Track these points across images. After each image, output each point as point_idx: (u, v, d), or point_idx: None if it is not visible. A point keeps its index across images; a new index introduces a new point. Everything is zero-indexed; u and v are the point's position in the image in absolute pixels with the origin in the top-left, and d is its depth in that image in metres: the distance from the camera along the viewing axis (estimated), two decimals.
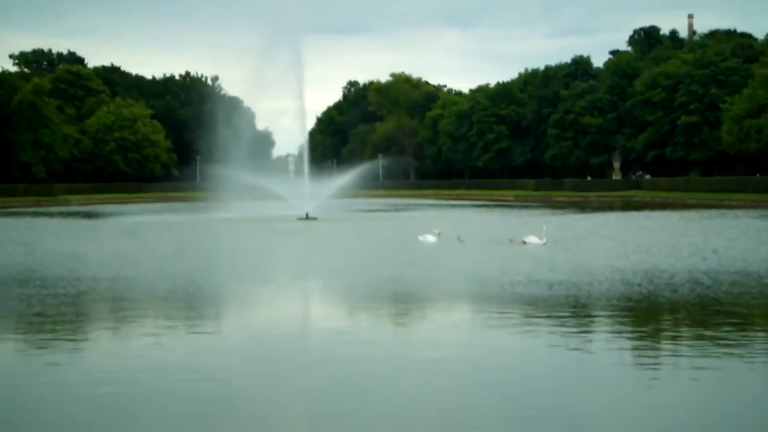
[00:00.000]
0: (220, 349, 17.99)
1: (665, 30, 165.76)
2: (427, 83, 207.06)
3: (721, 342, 17.54)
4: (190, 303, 23.80)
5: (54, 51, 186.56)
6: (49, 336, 19.27)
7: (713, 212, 70.12)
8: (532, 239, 39.64)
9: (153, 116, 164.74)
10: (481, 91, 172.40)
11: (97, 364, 16.54)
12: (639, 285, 25.50)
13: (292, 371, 16.24)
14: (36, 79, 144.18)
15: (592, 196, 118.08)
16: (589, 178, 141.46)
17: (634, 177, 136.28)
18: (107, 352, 17.73)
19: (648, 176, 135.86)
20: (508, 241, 40.10)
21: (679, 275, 27.42)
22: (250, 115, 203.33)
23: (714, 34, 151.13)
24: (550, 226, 44.32)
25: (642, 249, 36.76)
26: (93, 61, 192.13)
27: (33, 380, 15.21)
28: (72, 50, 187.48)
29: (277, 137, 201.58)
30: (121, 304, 23.68)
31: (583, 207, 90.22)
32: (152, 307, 23.40)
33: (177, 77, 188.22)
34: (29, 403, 13.71)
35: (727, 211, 71.20)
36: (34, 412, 13.23)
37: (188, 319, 21.37)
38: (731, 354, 16.48)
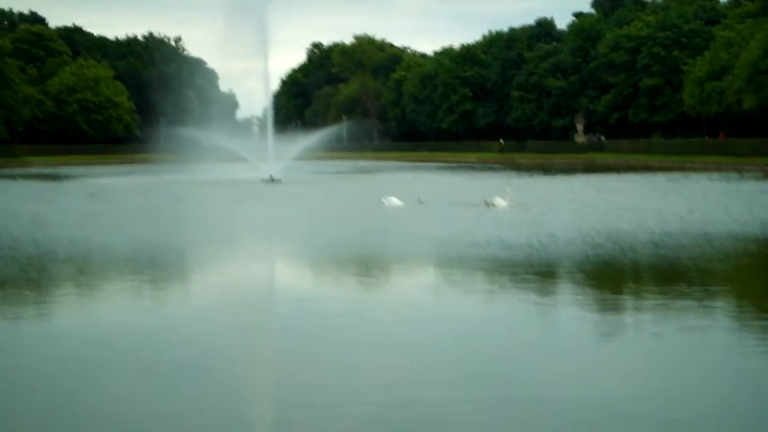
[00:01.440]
0: (183, 311, 18.04)
1: None
2: (391, 45, 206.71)
3: (684, 305, 17.75)
4: (153, 265, 23.80)
5: (15, 11, 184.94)
6: (10, 298, 19.30)
7: (675, 174, 70.53)
8: (499, 201, 39.63)
9: (116, 77, 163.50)
10: (445, 53, 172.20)
11: (58, 327, 16.58)
12: (601, 246, 25.73)
13: (254, 334, 16.34)
14: None
15: (555, 158, 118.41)
16: (579, 137, 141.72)
17: (594, 139, 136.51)
18: (68, 315, 17.76)
19: (603, 138, 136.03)
20: (483, 203, 39.89)
21: (639, 237, 27.66)
22: (213, 77, 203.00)
23: None
24: (515, 189, 44.47)
25: (604, 211, 37.01)
26: (55, 21, 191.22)
27: None
28: (33, 10, 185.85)
29: (241, 99, 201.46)
30: (83, 267, 23.70)
31: (546, 169, 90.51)
32: (114, 269, 23.42)
33: (140, 38, 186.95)
34: None
35: (690, 174, 71.67)
36: None
37: (151, 281, 21.40)
38: (693, 316, 16.71)
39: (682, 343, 14.68)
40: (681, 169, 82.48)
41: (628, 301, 18.84)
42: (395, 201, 41.55)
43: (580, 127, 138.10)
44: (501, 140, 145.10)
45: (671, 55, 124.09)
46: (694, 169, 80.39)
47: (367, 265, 23.94)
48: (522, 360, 13.83)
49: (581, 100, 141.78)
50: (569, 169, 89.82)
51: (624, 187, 55.67)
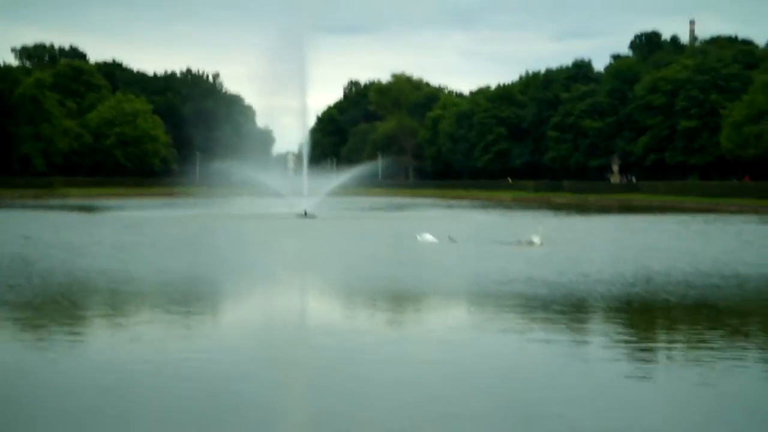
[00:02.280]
0: (215, 344, 18.04)
1: (667, 35, 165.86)
2: (428, 84, 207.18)
3: (714, 345, 17.63)
4: (187, 298, 23.83)
5: (56, 45, 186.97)
6: (44, 326, 19.38)
7: (710, 216, 70.18)
8: (535, 240, 39.63)
9: (154, 112, 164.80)
10: (482, 92, 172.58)
11: (90, 357, 16.63)
12: (634, 286, 25.61)
13: (287, 367, 16.33)
14: (38, 73, 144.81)
15: (591, 198, 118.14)
16: (610, 177, 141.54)
17: (624, 180, 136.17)
18: (101, 344, 17.81)
19: (634, 178, 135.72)
20: (516, 242, 39.99)
21: (674, 278, 27.51)
22: (250, 113, 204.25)
23: (715, 40, 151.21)
24: (548, 228, 44.40)
25: (638, 251, 36.86)
26: (95, 56, 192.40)
27: (28, 371, 15.32)
28: (74, 45, 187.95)
29: (277, 134, 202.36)
30: (117, 297, 23.78)
31: (581, 209, 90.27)
32: (147, 300, 23.48)
33: (179, 74, 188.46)
34: (25, 395, 13.80)
35: (725, 216, 71.27)
36: (27, 403, 13.33)
37: (184, 313, 21.42)
38: (723, 358, 16.58)
39: (712, 382, 14.58)
40: (716, 210, 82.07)
41: (659, 340, 18.71)
42: (429, 237, 41.58)
43: (615, 167, 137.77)
44: (509, 179, 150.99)
45: (709, 98, 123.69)
46: (729, 212, 79.97)
47: (400, 300, 23.89)
48: (553, 397, 13.75)
49: (617, 142, 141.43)
50: (604, 209, 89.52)
51: (658, 227, 55.44)
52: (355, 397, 13.66)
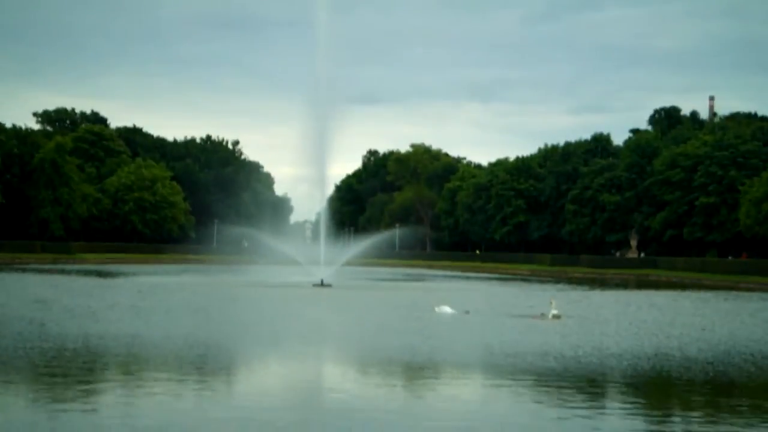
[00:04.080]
0: (227, 413, 17.94)
1: (686, 111, 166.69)
2: (446, 155, 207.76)
3: (731, 420, 17.46)
4: (201, 365, 23.76)
5: (77, 111, 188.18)
6: (58, 392, 19.32)
7: (729, 294, 69.85)
8: (554, 313, 39.76)
9: (173, 178, 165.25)
10: (500, 164, 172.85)
11: (104, 422, 16.55)
12: (650, 360, 25.46)
13: None
14: (58, 138, 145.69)
15: (609, 273, 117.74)
16: (617, 253, 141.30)
17: (634, 255, 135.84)
18: (115, 410, 17.72)
19: (642, 254, 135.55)
20: (540, 315, 40.06)
21: (690, 354, 27.34)
22: (269, 180, 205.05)
23: (734, 117, 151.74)
24: (565, 301, 44.29)
25: (654, 327, 36.70)
26: (115, 121, 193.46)
27: None
28: (95, 110, 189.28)
29: (295, 203, 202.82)
30: (130, 363, 23.71)
31: (599, 284, 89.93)
32: (161, 366, 23.41)
33: (198, 140, 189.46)
34: None
35: (745, 294, 70.94)
36: None
37: (198, 381, 21.33)
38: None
39: None
40: (735, 288, 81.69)
41: (673, 414, 18.55)
42: (447, 309, 41.62)
43: (633, 243, 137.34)
44: (477, 251, 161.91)
45: (728, 174, 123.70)
46: (749, 289, 79.59)
47: (416, 372, 23.76)
48: None
49: (635, 216, 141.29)
50: (621, 285, 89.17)
51: (674, 304, 55.17)
52: None
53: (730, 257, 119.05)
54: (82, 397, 18.82)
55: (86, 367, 22.72)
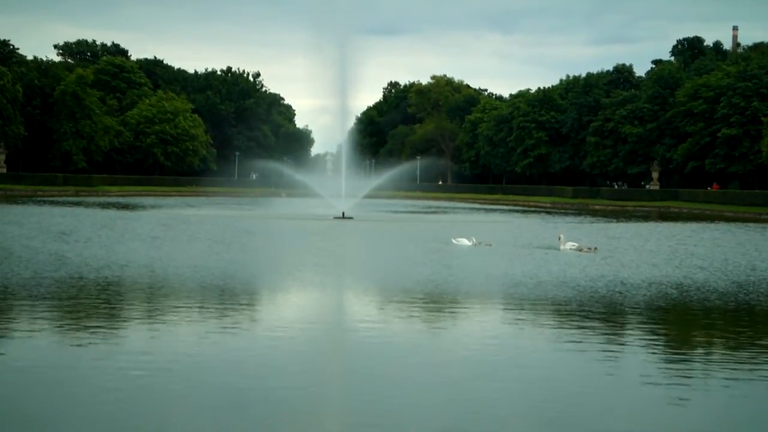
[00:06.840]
0: (248, 343, 18.10)
1: (709, 41, 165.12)
2: (467, 87, 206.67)
3: (753, 358, 17.52)
4: (222, 296, 23.92)
5: (98, 42, 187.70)
6: (82, 323, 19.51)
7: (750, 226, 69.68)
8: (570, 245, 39.96)
9: (193, 110, 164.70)
10: (522, 96, 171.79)
11: (126, 353, 16.72)
12: (669, 291, 25.53)
13: (320, 367, 16.37)
14: (79, 70, 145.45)
15: (630, 205, 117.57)
16: (646, 186, 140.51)
17: (651, 186, 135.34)
18: (137, 341, 17.90)
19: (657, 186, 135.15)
20: (567, 246, 40.22)
21: (710, 285, 27.40)
22: (290, 113, 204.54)
23: (758, 47, 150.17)
24: (586, 233, 44.29)
25: (675, 258, 36.73)
26: (136, 53, 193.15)
27: (66, 366, 15.44)
28: (116, 42, 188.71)
29: (316, 135, 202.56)
30: (151, 294, 23.91)
31: (619, 216, 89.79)
32: (181, 298, 23.59)
33: (219, 72, 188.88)
34: (61, 388, 13.89)
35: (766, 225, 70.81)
36: (65, 397, 13.41)
37: (219, 312, 21.49)
38: (763, 369, 16.46)
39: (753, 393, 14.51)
40: (756, 220, 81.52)
41: (697, 344, 18.64)
42: (465, 241, 41.71)
43: (655, 175, 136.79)
44: (440, 182, 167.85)
45: (751, 105, 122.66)
46: None
47: (434, 301, 23.90)
48: (584, 403, 13.72)
49: (657, 148, 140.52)
50: (643, 217, 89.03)
51: (694, 235, 55.13)
52: (391, 399, 13.65)
53: (756, 189, 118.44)
54: (101, 328, 18.99)
55: (105, 299, 22.90)
